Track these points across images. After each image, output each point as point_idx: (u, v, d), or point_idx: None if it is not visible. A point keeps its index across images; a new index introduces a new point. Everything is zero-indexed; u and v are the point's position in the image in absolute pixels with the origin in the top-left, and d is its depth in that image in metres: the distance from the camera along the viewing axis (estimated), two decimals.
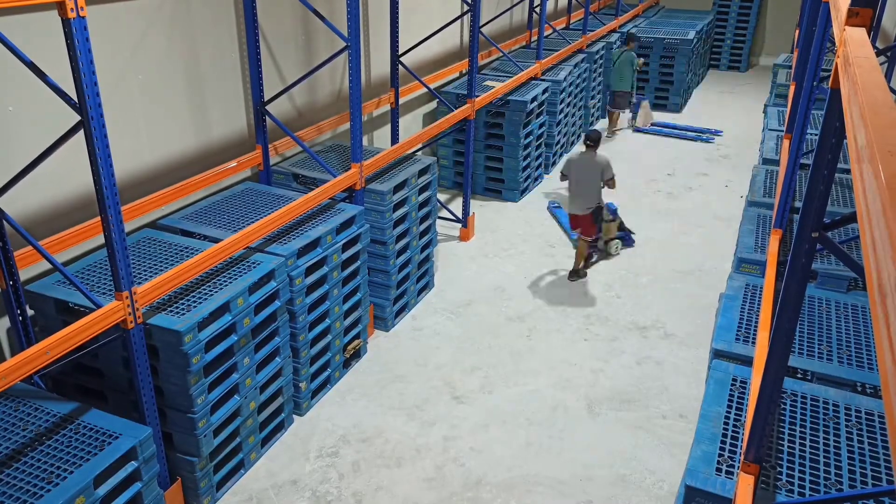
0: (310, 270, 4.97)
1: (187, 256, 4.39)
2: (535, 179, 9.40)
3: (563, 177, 6.87)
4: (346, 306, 5.47)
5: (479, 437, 4.97)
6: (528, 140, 8.74)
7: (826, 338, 4.01)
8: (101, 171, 3.38)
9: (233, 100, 5.61)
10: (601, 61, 11.63)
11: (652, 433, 5.05)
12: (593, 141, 6.66)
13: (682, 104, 12.89)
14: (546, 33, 11.05)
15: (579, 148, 10.53)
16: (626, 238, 7.74)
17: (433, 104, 8.94)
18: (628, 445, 4.93)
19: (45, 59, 3.55)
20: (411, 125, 8.57)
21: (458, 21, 8.80)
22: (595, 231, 6.94)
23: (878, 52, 5.43)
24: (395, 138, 7.60)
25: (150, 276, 4.21)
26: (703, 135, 11.47)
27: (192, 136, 5.29)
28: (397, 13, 7.05)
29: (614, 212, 7.53)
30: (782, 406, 3.43)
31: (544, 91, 9.02)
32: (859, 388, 3.64)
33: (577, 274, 7.05)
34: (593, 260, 7.36)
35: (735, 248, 5.79)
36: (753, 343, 4.01)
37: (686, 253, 7.69)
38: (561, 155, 10.32)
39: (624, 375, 5.67)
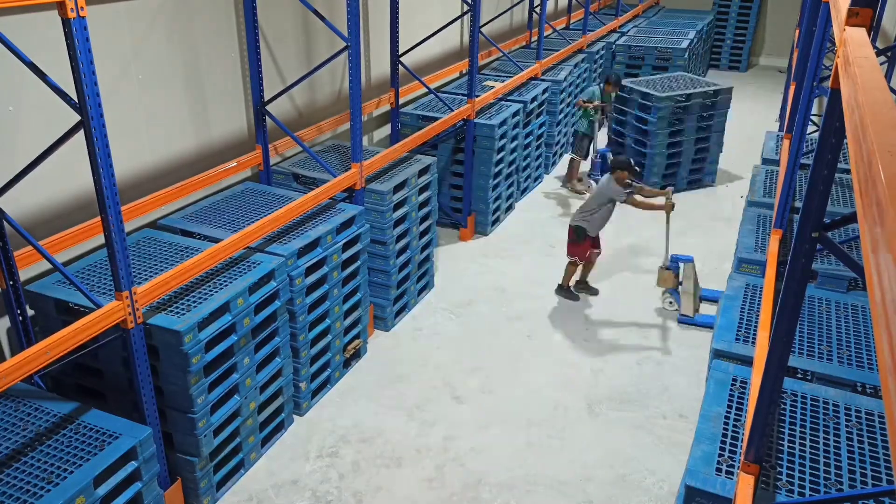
0: (310, 270, 4.97)
1: (187, 256, 4.39)
2: (535, 180, 9.40)
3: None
4: (346, 306, 5.47)
5: (479, 437, 4.97)
6: (528, 140, 8.74)
7: (826, 338, 4.01)
8: (101, 171, 3.38)
9: (233, 100, 5.61)
10: (601, 61, 11.62)
11: (652, 433, 5.05)
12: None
13: None
14: (546, 33, 11.05)
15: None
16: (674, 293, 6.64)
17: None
18: (628, 445, 4.93)
19: (45, 59, 3.55)
20: None
21: (458, 21, 8.80)
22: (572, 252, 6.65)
23: (878, 52, 5.43)
24: (395, 138, 7.60)
25: (150, 276, 4.21)
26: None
27: (192, 136, 5.29)
28: (397, 13, 7.05)
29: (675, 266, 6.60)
30: (782, 406, 3.43)
31: (544, 91, 9.02)
32: (859, 388, 3.64)
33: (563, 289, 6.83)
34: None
35: (735, 248, 5.78)
36: (753, 343, 4.00)
37: (686, 253, 7.68)
38: (561, 155, 10.32)
39: (624, 375, 5.67)
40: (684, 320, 6.43)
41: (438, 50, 8.78)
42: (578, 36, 11.25)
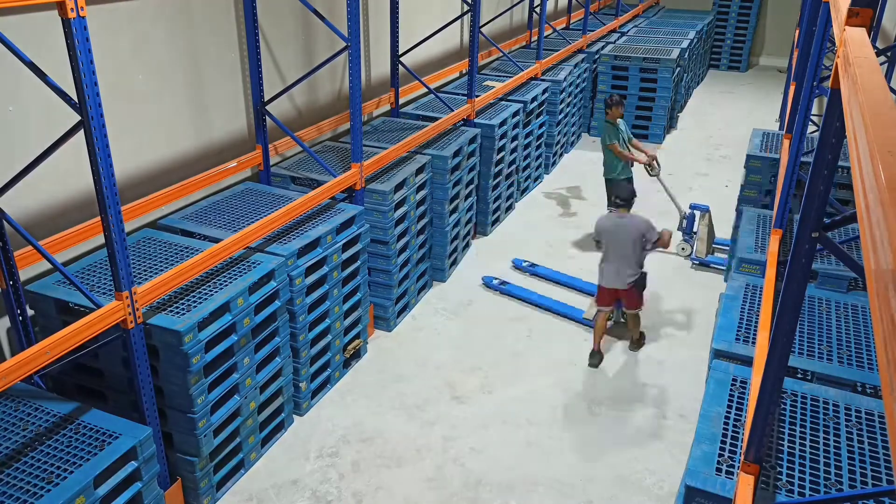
0: (310, 270, 4.97)
1: (187, 256, 4.39)
2: (536, 179, 9.40)
3: (598, 244, 5.87)
4: (346, 306, 5.47)
5: (479, 437, 4.97)
6: (527, 140, 8.74)
7: (826, 338, 4.01)
8: (101, 171, 3.38)
9: (233, 100, 5.61)
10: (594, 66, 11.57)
11: (652, 433, 5.05)
12: (624, 200, 5.70)
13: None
14: (546, 33, 11.05)
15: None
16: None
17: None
18: (628, 445, 4.93)
19: (46, 59, 3.55)
20: None
21: (458, 21, 8.80)
22: (641, 302, 5.85)
23: (878, 52, 5.43)
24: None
25: (150, 276, 4.21)
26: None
27: (192, 136, 5.29)
28: (397, 13, 7.05)
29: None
30: (782, 406, 3.43)
31: (544, 91, 9.02)
32: (859, 388, 3.64)
33: (638, 343, 6.05)
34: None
35: (735, 248, 5.78)
36: (753, 343, 4.00)
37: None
38: (561, 155, 10.32)
39: (624, 375, 5.67)
40: (697, 260, 7.41)
41: (438, 50, 8.78)
42: (578, 36, 11.25)
